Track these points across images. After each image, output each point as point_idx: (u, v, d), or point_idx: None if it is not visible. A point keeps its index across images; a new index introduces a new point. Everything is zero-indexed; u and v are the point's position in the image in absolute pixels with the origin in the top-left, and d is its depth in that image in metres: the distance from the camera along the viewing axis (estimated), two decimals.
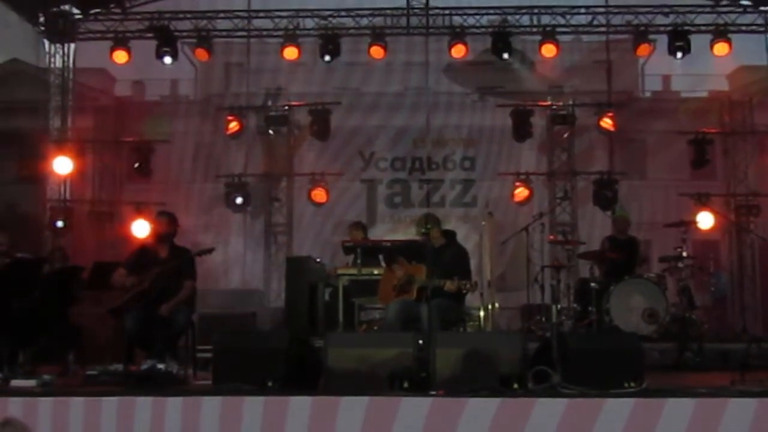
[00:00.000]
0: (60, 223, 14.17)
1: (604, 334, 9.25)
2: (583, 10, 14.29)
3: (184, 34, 14.52)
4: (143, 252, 8.01)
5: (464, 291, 7.43)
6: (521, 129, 14.72)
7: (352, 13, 14.37)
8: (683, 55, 13.77)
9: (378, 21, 14.33)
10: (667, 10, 13.92)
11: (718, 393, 5.38)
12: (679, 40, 13.64)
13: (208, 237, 16.62)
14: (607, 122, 14.41)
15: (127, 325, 7.36)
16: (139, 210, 14.82)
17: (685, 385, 6.18)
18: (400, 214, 17.89)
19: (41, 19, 14.54)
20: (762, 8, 14.05)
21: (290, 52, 14.19)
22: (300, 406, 5.31)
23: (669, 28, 13.85)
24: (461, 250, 8.02)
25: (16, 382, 6.24)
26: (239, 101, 15.91)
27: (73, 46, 14.94)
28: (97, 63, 16.16)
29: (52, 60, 14.84)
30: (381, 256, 9.31)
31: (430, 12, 14.40)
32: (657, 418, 5.08)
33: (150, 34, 14.18)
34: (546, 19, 14.16)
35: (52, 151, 14.43)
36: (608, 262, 10.51)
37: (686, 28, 13.78)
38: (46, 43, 14.86)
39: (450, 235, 8.17)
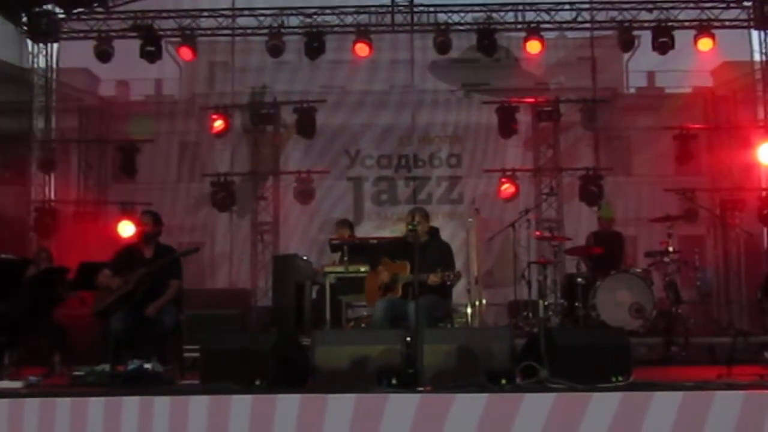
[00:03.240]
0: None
1: (591, 329, 9.30)
2: (567, 7, 14.31)
3: (168, 33, 14.47)
4: (128, 252, 7.98)
5: (448, 282, 7.43)
6: (507, 125, 14.73)
7: (336, 11, 14.35)
8: (667, 51, 13.83)
9: (362, 18, 14.32)
10: (650, 6, 13.96)
11: (705, 386, 5.40)
12: (663, 36, 13.70)
13: (194, 237, 16.60)
14: None
15: (114, 326, 7.33)
16: (125, 210, 14.76)
17: (672, 378, 6.20)
18: (387, 211, 17.88)
19: (24, 19, 14.44)
20: (745, 3, 14.11)
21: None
22: (288, 404, 5.29)
23: (653, 24, 13.90)
24: (445, 246, 8.02)
25: (1, 384, 6.22)
26: (224, 100, 15.87)
27: (56, 45, 14.85)
28: (81, 63, 16.08)
29: (35, 60, 14.76)
30: (367, 254, 9.29)
31: (415, 9, 14.40)
32: (644, 411, 5.10)
33: (134, 34, 14.13)
34: (530, 16, 14.18)
35: (36, 152, 14.40)
36: (594, 258, 10.55)
37: (670, 24, 13.83)
38: (29, 43, 14.78)
39: (433, 231, 8.17)
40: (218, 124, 14.78)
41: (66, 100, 16.24)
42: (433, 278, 7.33)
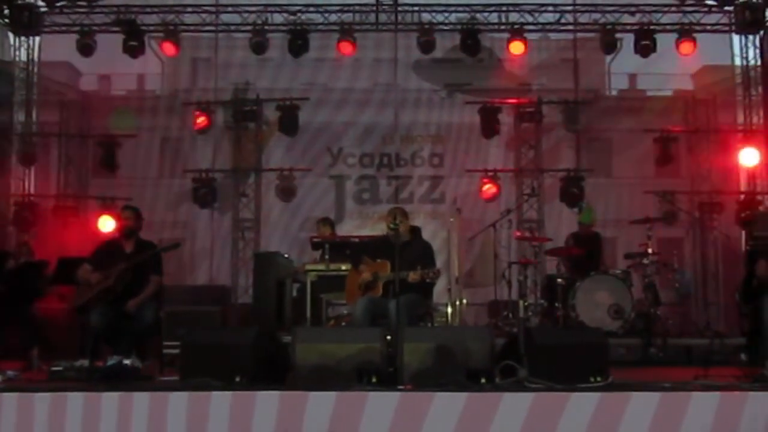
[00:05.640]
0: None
1: (570, 329, 9.33)
2: (550, 8, 14.36)
3: (151, 28, 14.42)
4: (108, 247, 7.94)
5: (428, 279, 7.45)
6: (489, 126, 14.78)
7: (320, 9, 14.33)
8: (649, 54, 13.92)
9: (347, 17, 14.32)
10: (633, 9, 14.05)
11: (682, 387, 5.45)
12: (645, 39, 13.79)
13: (175, 233, 16.54)
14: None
15: (93, 322, 7.30)
16: (105, 205, 14.70)
17: (650, 379, 6.24)
18: (369, 210, 17.91)
19: (5, 12, 14.32)
20: (726, 8, 14.22)
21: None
22: (267, 401, 5.29)
23: (635, 27, 13.98)
24: (426, 245, 8.05)
25: None
26: (206, 96, 15.83)
27: (38, 39, 14.76)
28: (63, 57, 15.99)
29: (17, 53, 14.64)
30: (348, 252, 9.30)
31: (399, 8, 14.42)
32: (622, 411, 5.13)
33: (116, 28, 14.06)
34: (514, 17, 14.23)
35: (16, 146, 14.32)
36: (574, 259, 10.60)
37: (652, 27, 13.92)
38: (11, 36, 14.67)
39: (414, 230, 8.19)
40: (200, 120, 14.76)
41: (47, 94, 16.14)
42: (413, 276, 7.35)
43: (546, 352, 5.90)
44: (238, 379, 5.68)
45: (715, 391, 5.29)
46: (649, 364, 9.01)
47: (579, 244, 10.71)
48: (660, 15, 14.04)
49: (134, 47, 13.95)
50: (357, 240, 9.97)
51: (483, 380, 5.53)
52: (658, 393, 5.23)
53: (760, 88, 14.46)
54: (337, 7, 14.31)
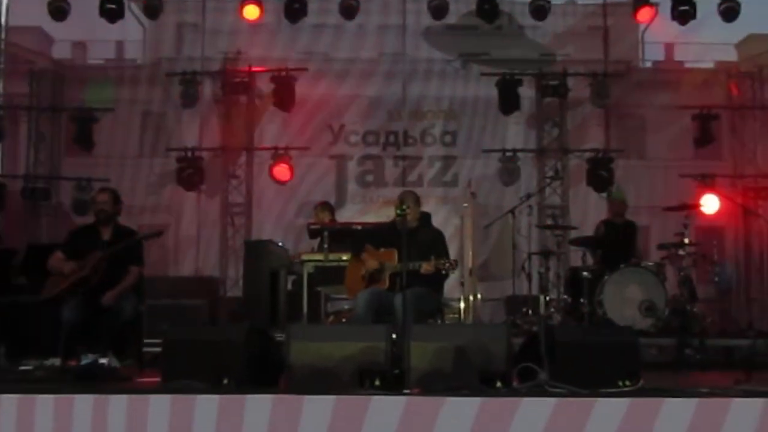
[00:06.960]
0: None
1: (597, 328, 9.34)
2: None
3: None
4: (83, 233, 7.98)
5: (443, 271, 7.46)
6: (508, 101, 14.77)
7: None
8: (688, 21, 13.84)
9: None
10: None
11: (721, 393, 5.45)
12: (684, 4, 13.70)
13: (157, 218, 16.59)
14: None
15: (66, 316, 7.32)
16: (80, 187, 14.73)
17: (685, 384, 6.25)
18: (373, 193, 17.93)
19: None
20: None
21: (250, 11, 14.07)
22: (258, 406, 5.31)
23: None
24: (436, 233, 8.04)
25: None
26: (193, 66, 15.83)
27: (5, 2, 14.74)
28: (33, 21, 15.99)
29: None
30: (349, 240, 9.30)
31: None
32: (653, 420, 5.14)
33: None
34: None
35: None
36: (602, 249, 10.59)
37: None
38: None
39: (424, 217, 8.18)
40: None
41: (15, 63, 16.15)
42: (426, 266, 7.35)
43: (569, 352, 5.92)
44: (226, 381, 5.69)
45: (757, 397, 5.28)
46: (684, 367, 9.02)
47: (611, 233, 10.68)
48: None
49: (113, 11, 13.89)
50: (359, 227, 9.96)
51: (499, 384, 5.54)
52: (694, 399, 5.23)
53: None
54: None
